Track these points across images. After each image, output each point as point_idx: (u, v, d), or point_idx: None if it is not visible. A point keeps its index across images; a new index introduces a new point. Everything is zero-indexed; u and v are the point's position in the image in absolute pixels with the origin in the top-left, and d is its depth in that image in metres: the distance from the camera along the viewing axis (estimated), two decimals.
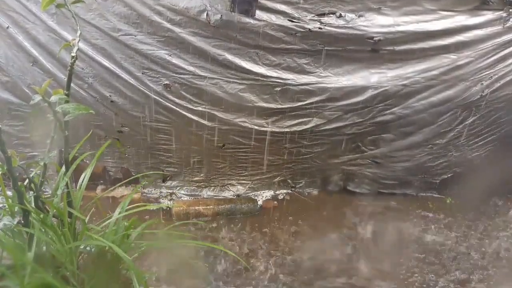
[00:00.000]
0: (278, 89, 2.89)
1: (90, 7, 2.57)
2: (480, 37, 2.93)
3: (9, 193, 1.66)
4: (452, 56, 2.96)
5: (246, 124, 2.98)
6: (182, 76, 2.77)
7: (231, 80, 2.83)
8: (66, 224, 1.56)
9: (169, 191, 3.22)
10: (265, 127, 3.02)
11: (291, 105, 2.96)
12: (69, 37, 2.60)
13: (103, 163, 3.11)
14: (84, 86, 2.77)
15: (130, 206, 1.81)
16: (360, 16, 2.77)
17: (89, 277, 1.61)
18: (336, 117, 3.03)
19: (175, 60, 2.72)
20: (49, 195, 1.77)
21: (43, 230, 1.58)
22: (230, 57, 2.75)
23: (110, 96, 2.81)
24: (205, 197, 3.22)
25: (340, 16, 2.75)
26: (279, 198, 3.30)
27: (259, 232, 2.86)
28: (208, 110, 2.91)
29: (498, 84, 3.09)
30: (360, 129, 3.12)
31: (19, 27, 2.62)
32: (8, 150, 1.38)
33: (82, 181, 1.80)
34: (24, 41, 2.64)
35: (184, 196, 3.21)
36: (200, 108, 2.90)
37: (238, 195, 3.26)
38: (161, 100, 2.83)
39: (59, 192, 1.66)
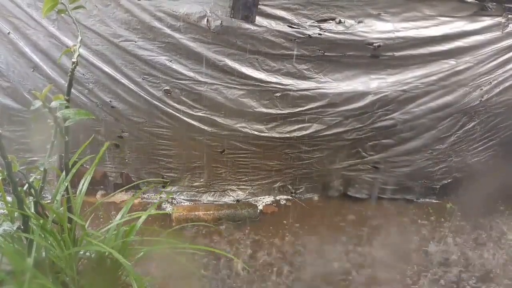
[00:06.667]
0: (278, 94, 2.89)
1: (90, 13, 2.58)
2: (479, 43, 2.94)
3: (9, 198, 1.66)
4: (452, 62, 2.97)
5: (246, 130, 2.99)
6: (182, 81, 2.78)
7: (231, 85, 2.84)
8: (66, 230, 1.55)
9: (170, 196, 3.21)
10: (265, 132, 3.02)
11: (291, 111, 2.96)
12: (70, 43, 2.61)
13: (103, 168, 3.11)
14: (85, 92, 2.78)
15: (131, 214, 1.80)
16: (359, 22, 2.78)
17: (89, 283, 1.60)
18: (336, 122, 3.03)
19: (175, 66, 2.73)
20: (49, 201, 1.76)
21: (42, 235, 1.58)
22: (230, 62, 2.76)
23: (110, 101, 2.81)
24: (205, 202, 3.22)
25: (340, 22, 2.76)
26: (279, 203, 3.30)
27: (258, 237, 2.85)
28: (208, 115, 2.91)
29: (498, 90, 3.10)
30: (360, 134, 3.12)
31: (20, 33, 2.63)
32: (8, 155, 1.38)
33: (82, 187, 1.80)
34: (25, 46, 2.65)
35: (184, 201, 3.21)
36: (200, 114, 2.90)
37: (238, 201, 3.26)
38: (162, 106, 2.83)
39: (58, 197, 1.66)
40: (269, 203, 3.29)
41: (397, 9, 2.80)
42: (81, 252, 1.67)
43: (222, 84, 2.82)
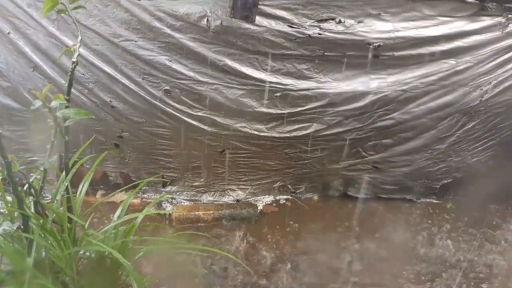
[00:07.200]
0: (278, 94, 2.89)
1: (90, 13, 2.58)
2: (479, 43, 2.94)
3: (9, 198, 1.66)
4: (451, 62, 2.97)
5: (246, 130, 2.99)
6: (182, 81, 2.78)
7: (231, 85, 2.84)
8: (66, 230, 1.55)
9: (169, 196, 3.21)
10: (265, 132, 3.02)
11: (291, 111, 2.96)
12: (69, 42, 2.61)
13: (103, 168, 3.11)
14: (85, 92, 2.78)
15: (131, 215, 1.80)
16: (359, 22, 2.78)
17: (89, 283, 1.60)
18: (336, 122, 3.04)
19: (175, 66, 2.73)
20: (49, 200, 1.76)
21: (42, 235, 1.57)
22: (230, 62, 2.76)
23: (110, 101, 2.81)
24: (205, 202, 3.22)
25: (340, 22, 2.76)
26: (279, 203, 3.30)
27: (258, 237, 2.85)
28: (208, 115, 2.91)
29: (497, 90, 3.10)
30: (360, 134, 3.12)
31: (20, 33, 2.63)
32: (8, 155, 1.38)
33: (82, 187, 1.80)
34: (25, 46, 2.65)
35: (184, 201, 3.21)
36: (200, 113, 2.90)
37: (238, 200, 3.26)
38: (162, 106, 2.83)
39: (58, 197, 1.66)
40: (269, 202, 3.29)
41: (397, 9, 2.80)
42: (81, 252, 1.67)
43: (222, 84, 2.82)
